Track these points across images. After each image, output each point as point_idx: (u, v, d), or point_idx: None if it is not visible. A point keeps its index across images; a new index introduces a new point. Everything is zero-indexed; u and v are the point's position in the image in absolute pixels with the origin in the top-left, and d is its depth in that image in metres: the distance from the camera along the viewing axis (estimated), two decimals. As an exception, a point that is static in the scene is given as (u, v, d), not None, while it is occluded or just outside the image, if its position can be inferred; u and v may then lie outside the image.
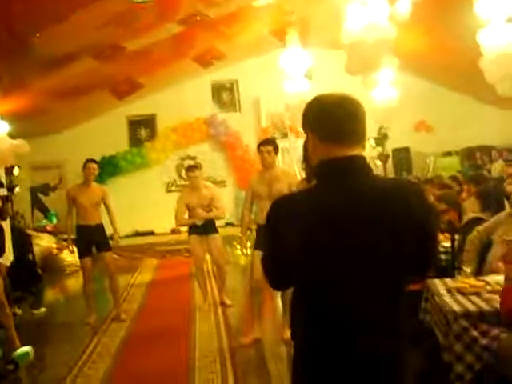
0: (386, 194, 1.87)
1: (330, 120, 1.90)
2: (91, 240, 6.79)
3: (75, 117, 12.61)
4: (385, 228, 1.82)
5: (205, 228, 6.98)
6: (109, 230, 7.03)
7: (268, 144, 5.59)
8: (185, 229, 12.27)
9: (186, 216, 7.13)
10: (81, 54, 8.80)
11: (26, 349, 1.81)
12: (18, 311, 7.35)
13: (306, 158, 3.94)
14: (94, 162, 6.85)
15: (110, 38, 8.87)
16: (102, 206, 6.92)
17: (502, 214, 4.63)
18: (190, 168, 7.18)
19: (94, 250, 6.89)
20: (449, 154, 13.47)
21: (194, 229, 7.05)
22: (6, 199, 6.92)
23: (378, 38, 6.13)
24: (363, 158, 1.92)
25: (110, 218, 6.96)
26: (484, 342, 3.15)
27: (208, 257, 7.49)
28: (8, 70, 8.15)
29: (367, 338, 1.84)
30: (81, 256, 6.86)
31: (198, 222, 6.95)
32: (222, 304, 7.05)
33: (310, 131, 1.97)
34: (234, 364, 4.99)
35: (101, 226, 6.86)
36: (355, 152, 1.90)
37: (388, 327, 1.88)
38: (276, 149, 5.61)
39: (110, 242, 7.06)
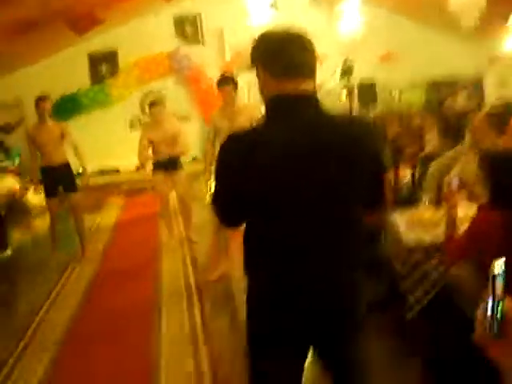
0: (338, 127, 1.89)
1: (282, 54, 1.88)
2: (57, 180, 6.70)
3: (33, 54, 12.16)
4: (337, 161, 1.83)
5: (169, 164, 6.86)
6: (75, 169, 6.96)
7: (225, 83, 5.53)
8: (151, 166, 12.33)
9: (150, 152, 6.97)
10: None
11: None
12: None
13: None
14: (46, 99, 6.66)
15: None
16: (67, 145, 6.79)
17: (461, 147, 4.67)
18: (152, 104, 7.02)
19: (60, 189, 6.80)
20: (414, 86, 13.46)
21: (158, 166, 6.93)
22: None
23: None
24: (313, 93, 1.92)
25: (76, 153, 6.87)
26: (436, 275, 3.23)
27: (173, 193, 7.41)
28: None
29: (322, 269, 1.88)
30: (47, 196, 6.81)
31: (161, 159, 6.82)
32: (189, 241, 7.04)
33: (261, 66, 1.95)
34: (201, 300, 5.07)
35: (66, 166, 6.77)
36: (305, 86, 1.88)
37: (343, 257, 1.92)
38: (235, 85, 5.55)
39: (79, 180, 6.98)
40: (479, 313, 1.05)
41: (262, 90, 1.97)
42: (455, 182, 3.18)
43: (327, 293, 1.90)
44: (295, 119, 1.85)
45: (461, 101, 11.48)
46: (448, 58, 13.19)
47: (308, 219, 1.85)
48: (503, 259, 1.04)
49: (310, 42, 1.93)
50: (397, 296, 3.62)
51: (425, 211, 3.89)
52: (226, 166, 1.92)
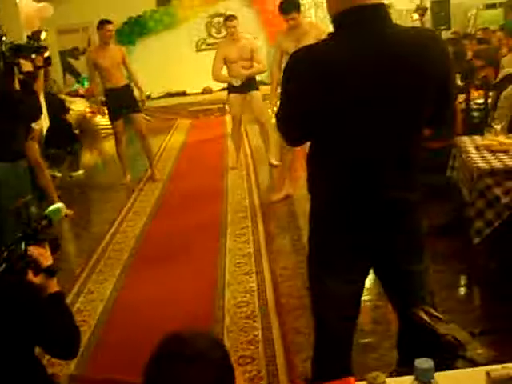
0: (405, 42, 1.82)
1: None
2: (120, 102, 6.77)
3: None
4: (405, 76, 1.78)
5: (246, 86, 6.62)
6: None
7: (289, 11, 5.38)
8: (217, 87, 12.32)
9: (225, 71, 6.79)
10: None
11: (58, 205, 1.92)
12: (58, 174, 7.60)
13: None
14: (109, 22, 6.66)
15: None
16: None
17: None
18: (228, 17, 6.79)
19: (124, 111, 6.89)
20: (492, 6, 12.65)
21: (234, 87, 6.73)
22: (49, 61, 6.86)
23: None
24: (382, 6, 1.84)
25: (133, 78, 6.96)
26: (506, 200, 3.17)
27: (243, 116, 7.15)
28: None
29: (384, 188, 1.88)
30: (112, 119, 6.92)
31: (235, 83, 6.63)
32: (270, 164, 6.81)
33: None
34: (265, 219, 5.17)
35: (128, 87, 6.85)
36: (375, 0, 1.81)
37: (404, 180, 1.91)
38: (297, 10, 5.41)
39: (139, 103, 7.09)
40: None
41: (330, 4, 1.91)
42: None
43: (388, 211, 1.91)
44: (363, 33, 1.78)
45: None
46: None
47: (372, 136, 1.83)
48: None
49: None
50: (464, 221, 3.58)
51: (495, 137, 3.77)
52: (290, 84, 1.89)
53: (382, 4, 1.83)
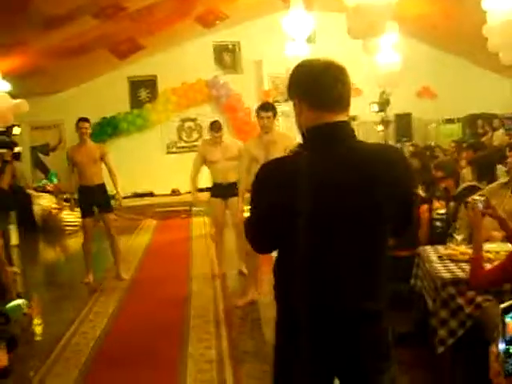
0: (371, 159, 1.90)
1: (317, 86, 1.90)
2: (93, 200, 6.82)
3: (76, 76, 12.53)
4: (369, 192, 1.85)
5: (228, 190, 6.57)
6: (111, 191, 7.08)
7: (267, 109, 5.54)
8: (185, 189, 12.42)
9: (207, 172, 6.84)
10: (81, 12, 8.70)
11: (18, 301, 1.85)
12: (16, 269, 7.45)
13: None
14: (86, 120, 6.82)
15: (110, -3, 8.77)
16: (104, 166, 6.93)
17: (494, 184, 4.64)
18: (214, 125, 6.69)
19: (95, 209, 6.93)
20: (451, 121, 13.40)
21: (216, 190, 6.74)
22: (17, 156, 6.92)
23: (382, 2, 6.04)
24: (349, 124, 1.94)
25: (111, 177, 6.98)
26: (468, 310, 3.21)
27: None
28: (8, 28, 8.08)
29: (349, 300, 1.89)
30: (83, 216, 6.92)
31: (220, 184, 6.61)
32: (241, 272, 6.73)
33: (297, 97, 1.97)
34: (229, 325, 5.08)
35: (102, 186, 6.88)
36: (341, 118, 1.91)
37: (369, 290, 1.92)
38: (275, 114, 5.59)
39: (112, 202, 7.11)
40: (492, 351, 1.06)
41: (299, 121, 2.01)
42: (480, 204, 3.17)
43: (353, 321, 1.91)
44: (331, 149, 1.88)
45: (498, 136, 11.34)
46: (486, 93, 13.15)
47: (338, 248, 1.87)
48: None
49: (346, 73, 1.95)
50: (428, 330, 3.58)
51: (457, 247, 3.87)
52: (260, 194, 1.96)
53: (346, 122, 1.93)
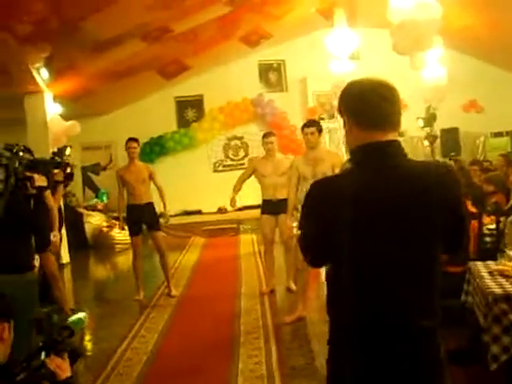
0: (421, 174, 1.92)
1: (366, 105, 1.94)
2: (141, 219, 6.97)
3: (124, 98, 12.86)
4: (420, 207, 1.87)
5: (278, 206, 6.50)
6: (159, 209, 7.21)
7: (311, 125, 5.63)
8: (231, 208, 12.53)
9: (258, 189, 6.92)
10: (129, 36, 8.98)
11: (80, 315, 1.93)
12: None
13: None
14: (134, 140, 7.01)
15: (157, 21, 9.01)
16: (153, 185, 7.08)
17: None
18: (266, 134, 6.91)
19: (144, 227, 7.08)
20: (499, 134, 13.14)
21: (266, 207, 6.79)
22: (70, 177, 7.15)
23: (428, 16, 6.03)
24: (398, 143, 1.96)
25: (160, 195, 7.11)
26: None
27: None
28: (59, 52, 8.40)
29: (403, 317, 1.90)
30: (131, 234, 7.07)
31: (270, 200, 6.66)
32: (288, 289, 6.72)
33: (347, 116, 2.01)
34: (278, 341, 5.11)
35: (151, 205, 7.02)
36: (390, 137, 1.94)
37: (423, 306, 1.92)
38: (320, 130, 5.66)
39: (160, 220, 7.23)
40: None
41: (349, 139, 2.04)
42: None
43: (407, 338, 1.91)
44: (381, 167, 1.91)
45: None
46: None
47: (387, 262, 1.89)
48: None
49: (396, 93, 1.98)
50: (480, 347, 3.53)
51: (509, 263, 3.82)
52: (311, 212, 2.01)
53: (396, 141, 1.95)
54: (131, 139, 7.01)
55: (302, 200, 5.48)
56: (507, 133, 13.13)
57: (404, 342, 1.90)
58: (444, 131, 12.72)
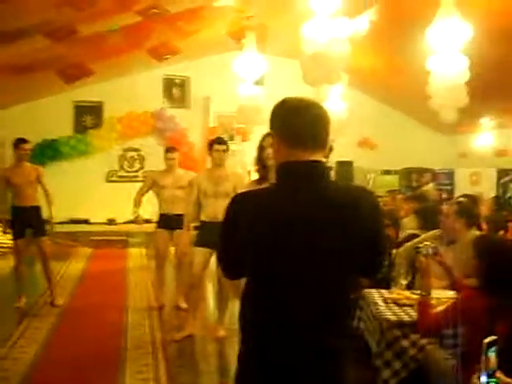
0: (338, 197, 1.93)
1: (293, 124, 1.95)
2: (26, 222, 6.66)
3: (19, 95, 12.24)
4: (336, 232, 1.88)
5: (174, 222, 6.41)
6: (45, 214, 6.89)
7: (223, 143, 5.70)
8: (122, 219, 12.26)
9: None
10: (33, 31, 8.58)
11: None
12: None
13: (260, 159, 4.03)
14: (25, 142, 6.71)
15: (64, 20, 8.68)
16: (40, 189, 6.79)
17: (431, 233, 4.85)
18: (169, 149, 6.95)
19: (28, 232, 6.75)
20: (388, 172, 13.91)
21: (163, 221, 6.75)
22: None
23: (340, 51, 6.24)
24: (322, 164, 1.97)
25: (46, 199, 6.83)
26: (412, 352, 3.31)
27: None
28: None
29: (311, 336, 1.90)
30: (15, 237, 6.73)
31: (166, 214, 6.65)
32: (177, 307, 6.62)
33: (274, 133, 2.02)
34: (167, 357, 5.00)
35: (37, 209, 6.73)
36: (316, 157, 1.95)
37: (332, 326, 1.94)
38: (227, 149, 5.71)
39: (47, 226, 6.92)
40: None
41: (275, 156, 2.04)
42: (431, 251, 3.30)
43: (316, 361, 1.92)
44: (300, 186, 1.92)
45: (429, 190, 11.72)
46: (424, 149, 13.78)
47: (301, 283, 1.90)
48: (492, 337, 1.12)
49: (325, 113, 2.00)
50: (367, 371, 3.64)
51: (403, 292, 4.00)
52: (229, 224, 2.00)
53: (320, 161, 1.96)
54: (23, 140, 6.69)
55: (200, 216, 5.41)
56: (396, 171, 13.92)
57: (310, 361, 1.90)
58: (339, 163, 13.20)
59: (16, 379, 4.45)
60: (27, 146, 6.70)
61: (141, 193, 6.96)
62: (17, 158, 6.69)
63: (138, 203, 6.94)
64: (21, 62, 9.70)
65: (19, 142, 6.65)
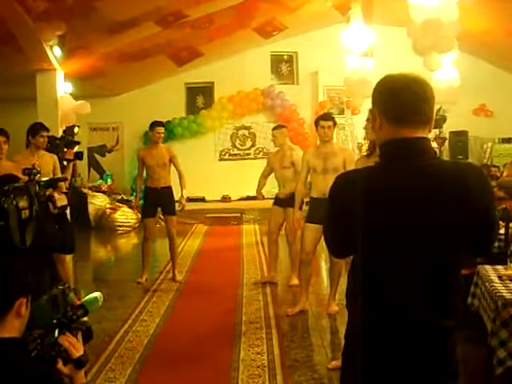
0: (446, 174, 1.89)
1: (397, 101, 1.92)
2: (158, 202, 6.98)
3: (135, 81, 12.81)
4: (445, 209, 1.84)
5: (288, 200, 6.43)
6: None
7: (328, 119, 5.63)
8: (236, 196, 12.60)
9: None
10: (144, 19, 8.92)
11: (95, 294, 1.91)
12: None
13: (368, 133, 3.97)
14: (162, 125, 7.00)
15: (173, 5, 8.96)
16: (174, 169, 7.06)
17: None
18: (274, 128, 7.02)
19: (159, 211, 7.15)
20: (507, 140, 13.12)
21: (277, 200, 6.87)
22: (80, 156, 7.17)
23: (451, 17, 5.98)
24: (427, 141, 1.94)
25: (180, 179, 7.11)
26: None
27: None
28: (73, 31, 8.35)
29: (418, 315, 1.88)
30: (145, 216, 7.09)
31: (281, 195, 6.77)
32: (289, 285, 6.68)
33: (377, 111, 1.99)
34: (280, 332, 5.11)
35: (169, 189, 7.01)
36: (420, 134, 1.91)
37: (439, 305, 1.91)
38: (335, 124, 5.65)
39: (176, 205, 7.19)
40: None
41: (378, 134, 2.02)
42: None
43: (422, 336, 1.90)
44: (406, 163, 1.89)
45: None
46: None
47: (407, 260, 1.88)
48: None
49: (429, 89, 1.94)
50: (483, 350, 3.54)
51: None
52: (333, 204, 2.01)
53: (425, 138, 1.93)
54: (158, 123, 6.96)
55: (310, 193, 5.44)
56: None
57: (418, 341, 1.88)
58: (453, 134, 12.69)
59: (140, 350, 4.75)
60: (162, 129, 6.97)
61: (261, 176, 7.17)
62: (152, 140, 7.00)
63: (259, 186, 7.21)
64: (134, 50, 10.13)
65: (154, 125, 6.93)
